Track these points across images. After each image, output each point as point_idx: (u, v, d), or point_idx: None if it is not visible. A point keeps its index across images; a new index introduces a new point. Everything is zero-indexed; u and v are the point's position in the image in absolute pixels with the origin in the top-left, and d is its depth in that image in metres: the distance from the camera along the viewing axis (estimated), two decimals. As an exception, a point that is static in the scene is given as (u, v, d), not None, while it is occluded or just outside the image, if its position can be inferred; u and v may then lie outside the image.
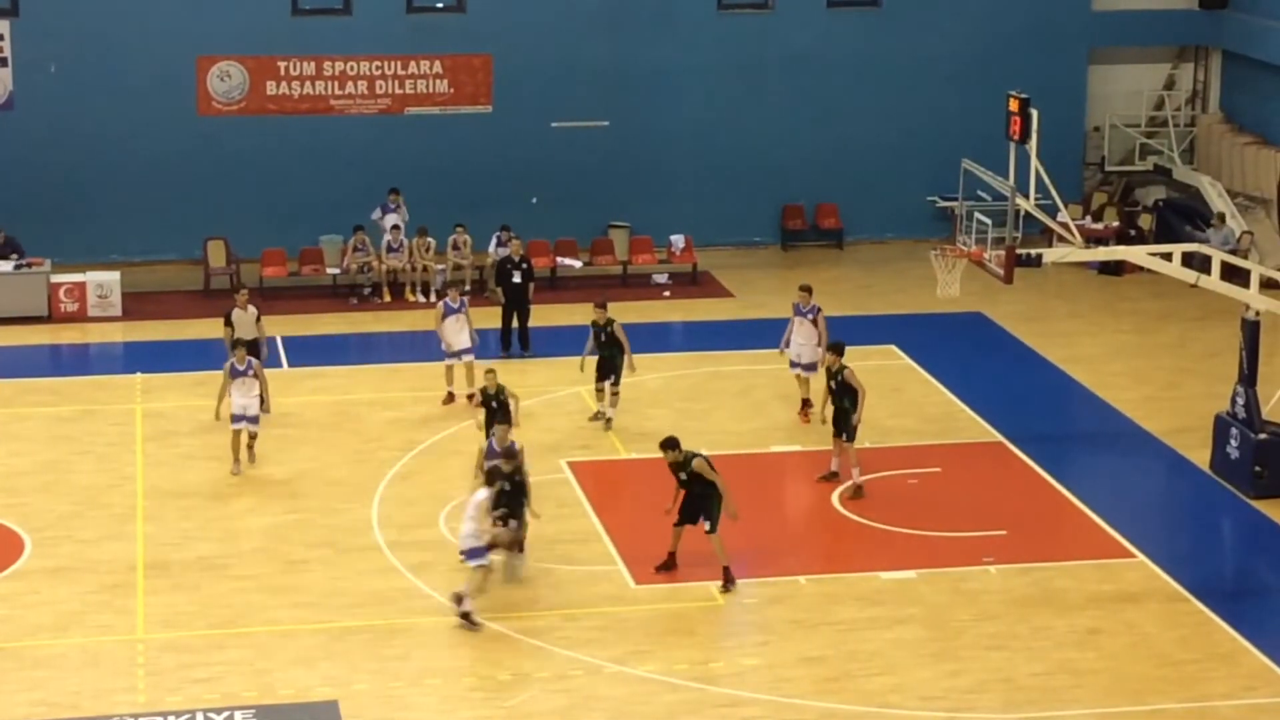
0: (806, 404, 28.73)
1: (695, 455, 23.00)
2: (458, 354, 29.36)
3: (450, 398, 29.31)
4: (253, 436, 26.82)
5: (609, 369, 28.37)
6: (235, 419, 26.55)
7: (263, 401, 26.91)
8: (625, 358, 28.26)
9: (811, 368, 28.53)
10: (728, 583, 22.97)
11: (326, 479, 26.71)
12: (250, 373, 26.56)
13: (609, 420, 28.38)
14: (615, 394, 28.37)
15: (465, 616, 21.81)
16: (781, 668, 21.16)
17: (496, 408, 25.68)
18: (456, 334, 29.33)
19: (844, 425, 25.93)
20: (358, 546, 24.40)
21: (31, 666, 21.12)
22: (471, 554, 22.08)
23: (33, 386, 30.90)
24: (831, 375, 26.18)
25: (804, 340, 28.56)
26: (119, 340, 33.82)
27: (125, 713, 20.07)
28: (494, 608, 22.47)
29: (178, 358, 32.17)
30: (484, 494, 22.33)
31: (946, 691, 20.59)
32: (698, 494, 23.01)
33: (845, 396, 25.95)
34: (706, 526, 23.00)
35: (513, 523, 22.82)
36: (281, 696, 20.42)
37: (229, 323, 29.29)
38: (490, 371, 26.19)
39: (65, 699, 20.35)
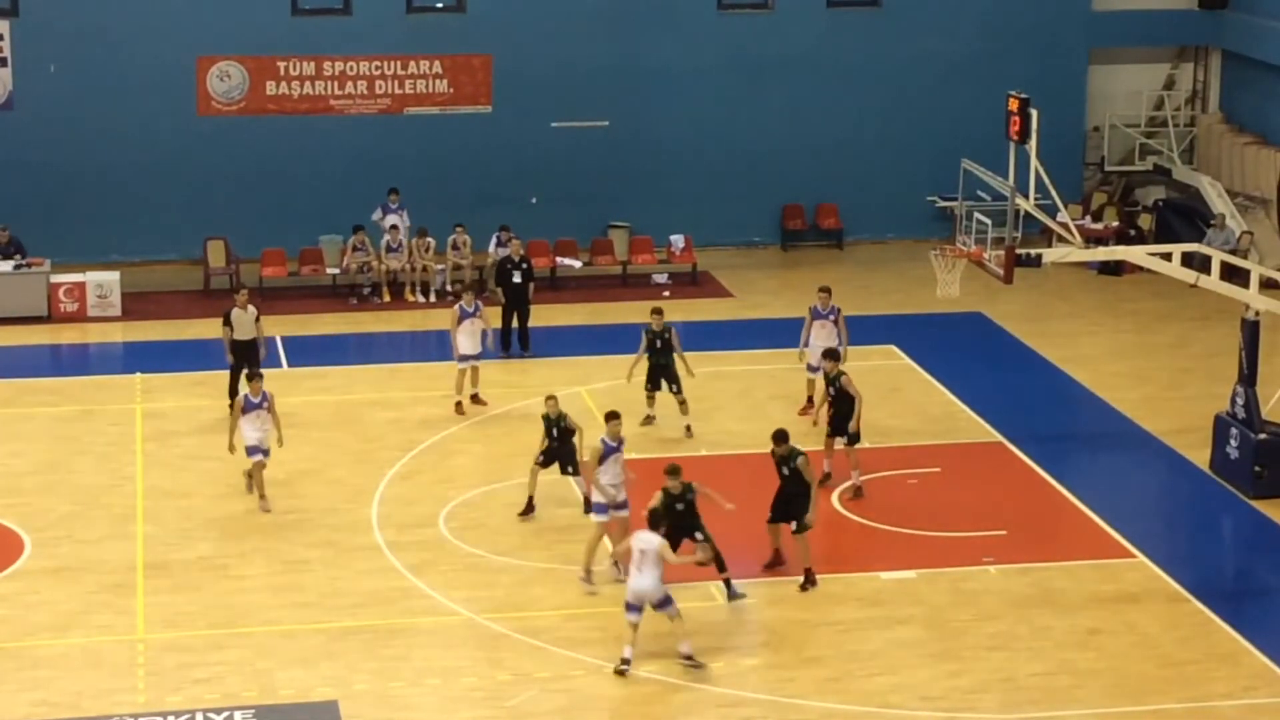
0: (810, 400, 28.73)
1: (800, 454, 22.98)
2: (467, 359, 29.19)
3: (460, 407, 29.11)
4: (261, 467, 26.02)
5: (661, 376, 28.07)
6: (253, 450, 25.70)
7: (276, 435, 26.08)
8: (682, 364, 28.06)
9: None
10: (808, 583, 22.99)
11: (326, 479, 26.71)
12: (265, 406, 25.64)
13: (688, 427, 28.14)
14: (683, 401, 28.09)
15: (690, 659, 21.05)
16: (782, 668, 21.16)
17: (557, 435, 25.06)
18: (471, 339, 29.21)
19: (842, 429, 25.92)
20: (358, 546, 24.40)
21: (32, 667, 21.12)
22: (663, 604, 21.03)
23: (33, 387, 30.90)
24: (830, 381, 26.19)
25: (825, 342, 28.18)
26: (119, 340, 33.82)
27: (126, 713, 20.07)
28: (495, 607, 22.48)
29: (178, 358, 32.18)
30: (656, 540, 21.00)
31: (947, 691, 20.59)
32: (792, 493, 22.98)
33: (843, 402, 25.93)
34: (794, 527, 22.92)
35: (699, 538, 22.34)
36: (281, 696, 20.42)
37: (228, 322, 29.25)
38: (551, 398, 25.47)
39: (66, 699, 20.35)
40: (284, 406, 29.10)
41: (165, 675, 20.88)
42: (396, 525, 25.07)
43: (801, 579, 23.03)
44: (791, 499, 23.03)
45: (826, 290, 28.84)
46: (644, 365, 28.26)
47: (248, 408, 25.59)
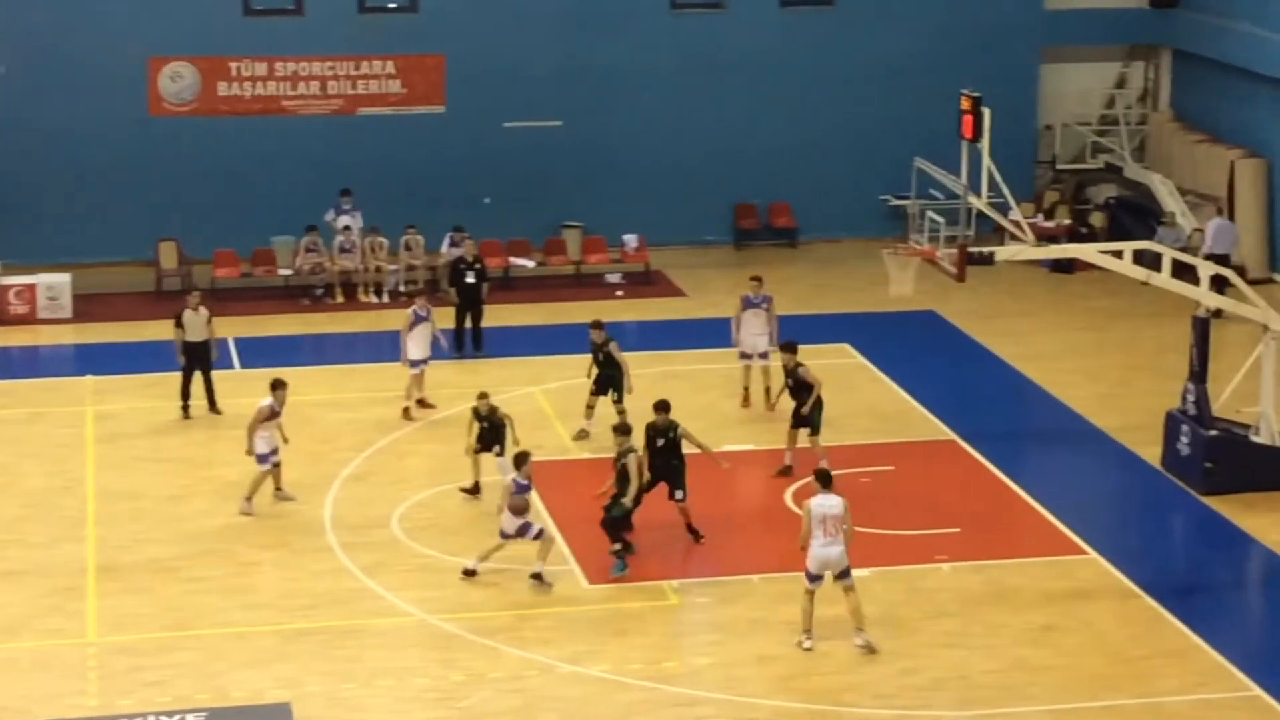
0: (767, 393, 28.74)
1: (679, 425, 24.13)
2: (417, 363, 29.09)
3: (407, 413, 28.90)
4: (277, 466, 25.77)
5: (608, 384, 28.14)
6: (265, 457, 25.40)
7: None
8: (625, 379, 28.03)
9: (766, 356, 28.70)
10: (699, 537, 24.19)
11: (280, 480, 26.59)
12: (281, 413, 25.60)
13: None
14: (622, 411, 27.98)
15: (867, 645, 21.38)
16: (735, 666, 21.16)
17: (489, 429, 25.47)
18: (421, 344, 29.11)
19: (806, 420, 26.07)
20: (311, 548, 24.32)
21: (-19, 670, 21.01)
22: (844, 574, 21.50)
23: (-18, 389, 30.73)
24: (789, 373, 26.30)
25: (758, 331, 28.60)
26: (69, 342, 33.66)
27: (77, 717, 19.96)
28: (448, 608, 22.44)
29: (129, 360, 32.02)
30: (839, 502, 21.34)
31: (901, 689, 20.62)
32: (670, 464, 24.10)
33: (803, 392, 26.12)
34: (678, 495, 24.22)
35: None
36: (234, 699, 20.34)
37: (179, 324, 29.13)
38: (484, 395, 25.87)
39: (15, 703, 20.22)
40: (237, 408, 29.08)
41: (116, 678, 20.77)
42: (350, 526, 25.00)
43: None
44: (670, 470, 23.91)
45: (758, 279, 29.25)
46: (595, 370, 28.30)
47: (273, 415, 25.50)
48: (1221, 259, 32.52)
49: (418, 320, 29.11)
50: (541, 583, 22.99)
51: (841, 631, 21.82)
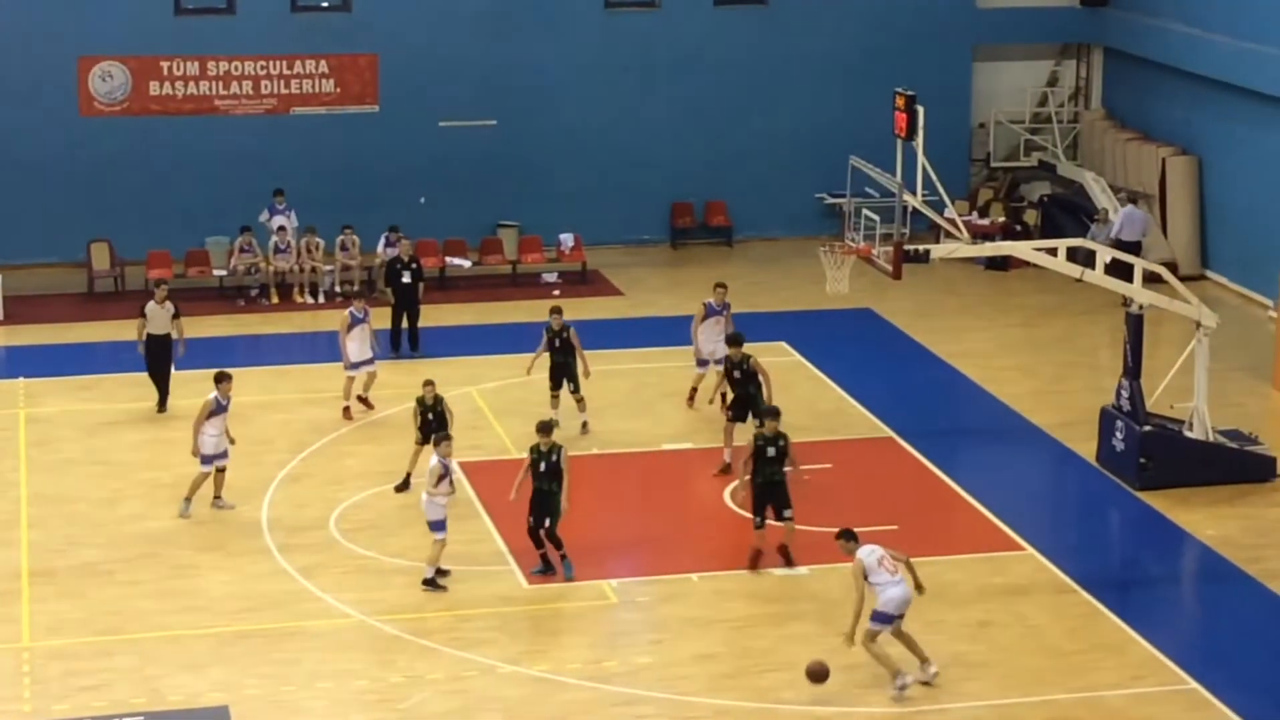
0: (723, 398, 28.05)
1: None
2: (358, 365, 28.93)
3: (347, 412, 28.82)
4: (221, 471, 25.43)
5: (564, 374, 28.05)
6: (209, 459, 24.99)
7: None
8: (582, 364, 28.00)
9: (722, 361, 28.36)
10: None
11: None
12: (228, 408, 25.30)
13: (585, 424, 28.15)
14: (580, 399, 28.07)
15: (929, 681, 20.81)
16: (675, 665, 21.16)
17: (433, 419, 25.37)
18: (360, 346, 28.92)
19: (753, 410, 26.04)
20: (247, 550, 24.19)
21: (-86, 677, 20.80)
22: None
23: (-87, 392, 30.43)
24: (735, 365, 26.42)
25: (715, 340, 28.39)
26: (0, 344, 33.35)
27: (11, 722, 19.83)
28: (387, 609, 22.36)
29: (61, 362, 31.77)
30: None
31: (840, 686, 20.64)
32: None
33: (751, 384, 26.14)
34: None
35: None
36: (171, 703, 20.21)
37: (143, 314, 28.92)
38: (429, 382, 25.76)
39: (-51, 709, 20.06)
40: (171, 410, 28.92)
41: (51, 683, 20.62)
42: (287, 528, 24.87)
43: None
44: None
45: (723, 286, 29.04)
46: (545, 363, 28.19)
47: (218, 410, 25.14)
48: (1131, 246, 32.83)
49: (355, 322, 28.95)
50: (436, 587, 22.85)
51: (776, 629, 21.86)
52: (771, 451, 23.36)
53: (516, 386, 28.49)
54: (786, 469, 23.53)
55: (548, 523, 23.04)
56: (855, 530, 21.02)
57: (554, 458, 23.00)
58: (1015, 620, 22.36)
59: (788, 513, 23.49)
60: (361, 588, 23.01)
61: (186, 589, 23.04)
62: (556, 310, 28.36)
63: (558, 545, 23.19)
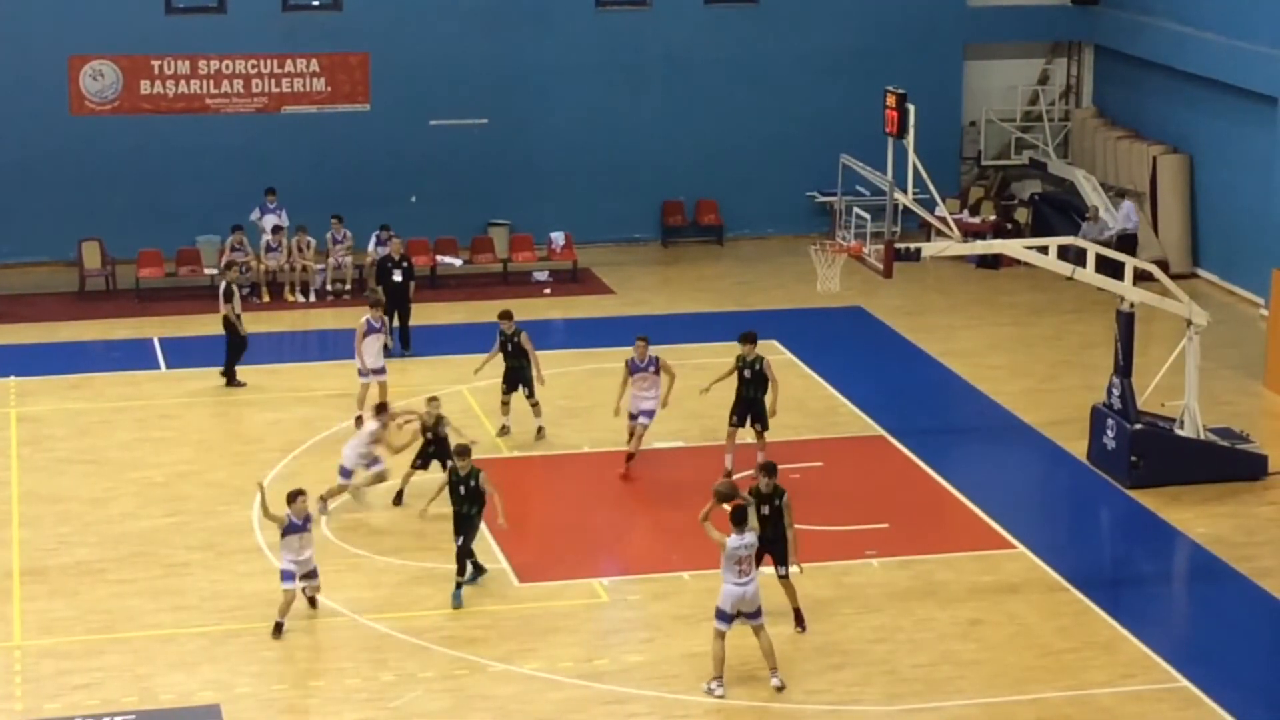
0: (630, 458, 26.65)
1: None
2: (374, 373, 28.36)
3: (359, 421, 27.61)
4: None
5: (518, 379, 27.89)
6: (288, 574, 21.90)
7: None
8: (534, 369, 27.84)
9: (651, 415, 26.72)
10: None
11: (206, 481, 26.45)
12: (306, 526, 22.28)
13: (540, 429, 27.89)
14: (535, 404, 27.87)
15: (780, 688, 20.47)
16: (666, 664, 21.17)
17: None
18: (375, 354, 28.38)
19: (758, 415, 25.88)
20: (239, 549, 24.18)
21: (-95, 676, 20.79)
22: (756, 614, 20.50)
23: (-96, 391, 30.42)
24: (746, 364, 25.93)
25: (644, 395, 26.64)
26: (-8, 343, 33.37)
27: (2, 721, 19.82)
28: (378, 608, 22.37)
29: (52, 361, 31.75)
30: (754, 539, 20.40)
31: (831, 684, 20.69)
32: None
33: (759, 387, 25.86)
34: (781, 570, 21.80)
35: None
36: (162, 701, 20.21)
37: (229, 299, 30.04)
38: (434, 399, 25.48)
39: (-60, 708, 20.06)
40: (161, 409, 28.90)
41: (43, 682, 20.60)
42: (278, 527, 24.80)
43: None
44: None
45: (644, 339, 26.90)
46: (499, 367, 28.00)
47: (290, 530, 22.02)
48: (1130, 239, 33.10)
49: (370, 330, 28.26)
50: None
51: (767, 627, 21.86)
52: (766, 510, 21.50)
53: (498, 388, 28.45)
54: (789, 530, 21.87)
55: (461, 540, 22.46)
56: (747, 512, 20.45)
57: (473, 482, 22.43)
58: (1006, 619, 22.38)
59: (781, 570, 21.78)
60: (353, 586, 23.00)
61: (178, 588, 23.03)
62: (506, 314, 27.95)
63: (461, 569, 22.51)
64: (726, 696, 20.31)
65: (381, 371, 28.45)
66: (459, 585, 22.61)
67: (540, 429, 27.99)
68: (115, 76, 36.17)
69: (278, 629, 21.58)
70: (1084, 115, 40.89)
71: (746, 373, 26.08)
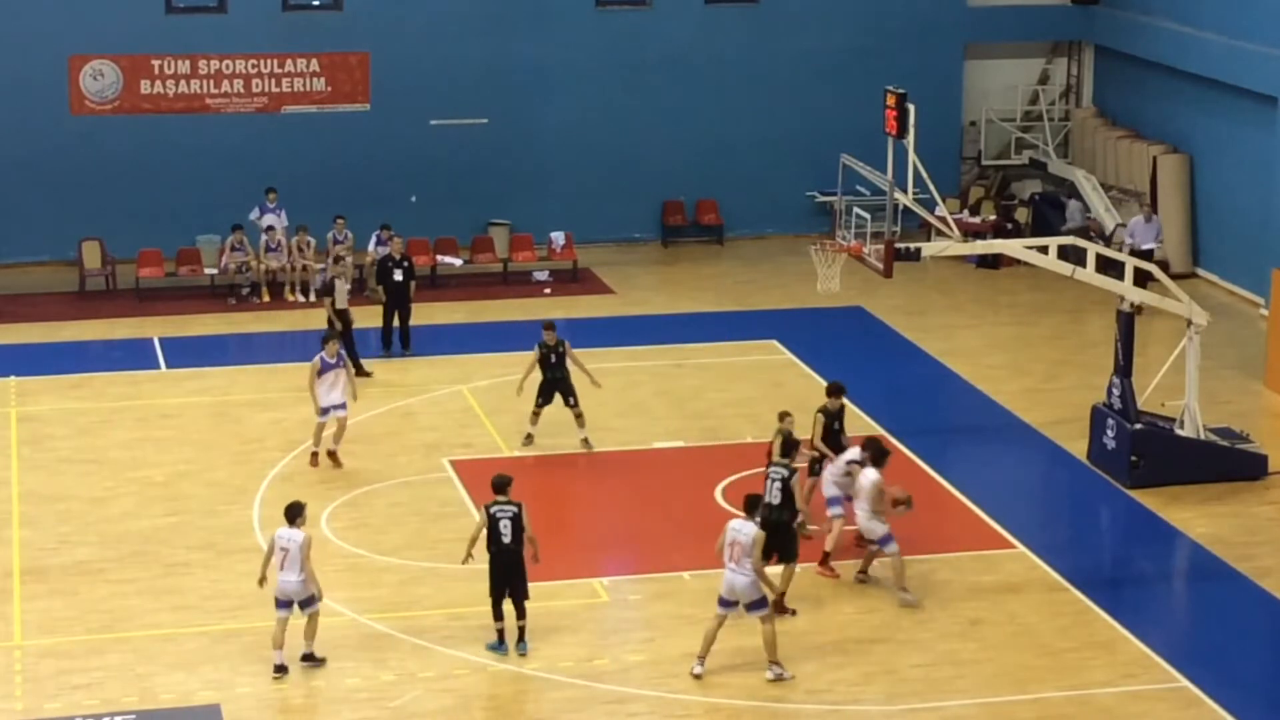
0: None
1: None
2: (327, 410, 26.71)
3: (314, 459, 27.07)
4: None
5: (556, 390, 27.18)
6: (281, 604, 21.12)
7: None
8: (587, 377, 27.15)
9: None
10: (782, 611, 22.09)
11: (206, 481, 26.45)
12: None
13: (585, 440, 27.30)
14: (579, 414, 27.19)
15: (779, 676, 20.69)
16: (667, 663, 21.16)
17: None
18: (329, 391, 26.64)
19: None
20: (239, 548, 24.17)
21: (-95, 676, 20.79)
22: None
23: (-96, 391, 30.42)
24: (833, 417, 24.69)
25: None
26: (-8, 343, 33.37)
27: (3, 721, 19.82)
28: (379, 607, 22.37)
29: (53, 360, 31.74)
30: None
31: (831, 684, 20.69)
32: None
33: (838, 440, 24.60)
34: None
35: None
36: (163, 701, 20.21)
37: (329, 293, 30.57)
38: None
39: (-59, 708, 20.05)
40: (162, 408, 28.91)
41: (43, 682, 20.60)
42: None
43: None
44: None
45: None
46: (536, 379, 27.46)
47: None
48: (1146, 254, 32.91)
49: (325, 368, 26.62)
50: (314, 661, 21.10)
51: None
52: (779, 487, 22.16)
53: (508, 385, 28.44)
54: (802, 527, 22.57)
55: (508, 590, 21.28)
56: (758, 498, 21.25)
57: (513, 511, 21.25)
58: (1006, 618, 22.38)
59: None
60: (353, 586, 23.01)
61: (178, 587, 23.03)
62: (550, 325, 27.41)
63: (521, 614, 21.41)
64: (723, 691, 20.29)
65: (341, 407, 26.71)
66: (500, 638, 21.46)
67: (586, 439, 27.43)
68: (115, 76, 36.16)
69: (280, 670, 20.86)
70: (1084, 115, 40.89)
71: (835, 424, 24.81)
